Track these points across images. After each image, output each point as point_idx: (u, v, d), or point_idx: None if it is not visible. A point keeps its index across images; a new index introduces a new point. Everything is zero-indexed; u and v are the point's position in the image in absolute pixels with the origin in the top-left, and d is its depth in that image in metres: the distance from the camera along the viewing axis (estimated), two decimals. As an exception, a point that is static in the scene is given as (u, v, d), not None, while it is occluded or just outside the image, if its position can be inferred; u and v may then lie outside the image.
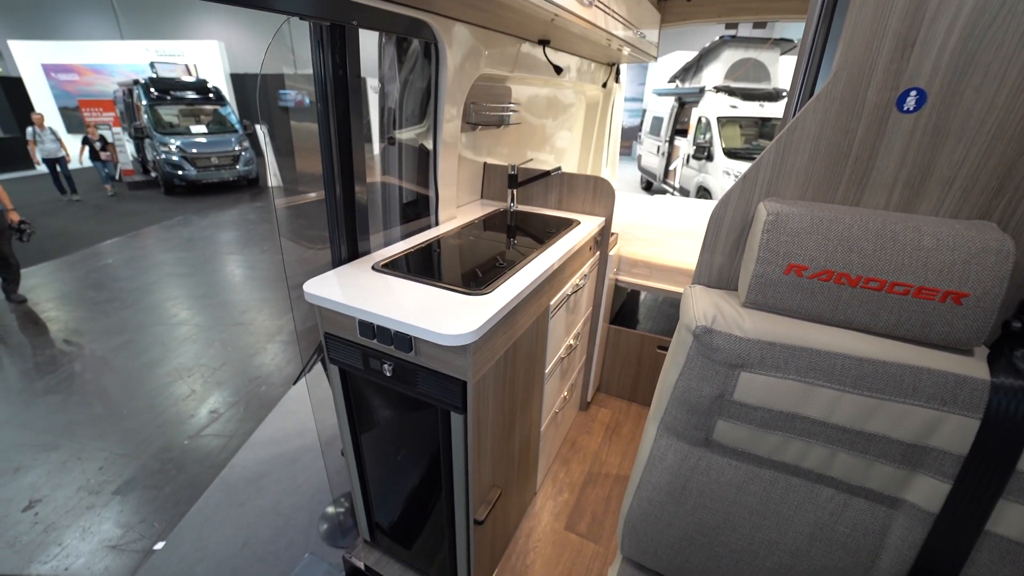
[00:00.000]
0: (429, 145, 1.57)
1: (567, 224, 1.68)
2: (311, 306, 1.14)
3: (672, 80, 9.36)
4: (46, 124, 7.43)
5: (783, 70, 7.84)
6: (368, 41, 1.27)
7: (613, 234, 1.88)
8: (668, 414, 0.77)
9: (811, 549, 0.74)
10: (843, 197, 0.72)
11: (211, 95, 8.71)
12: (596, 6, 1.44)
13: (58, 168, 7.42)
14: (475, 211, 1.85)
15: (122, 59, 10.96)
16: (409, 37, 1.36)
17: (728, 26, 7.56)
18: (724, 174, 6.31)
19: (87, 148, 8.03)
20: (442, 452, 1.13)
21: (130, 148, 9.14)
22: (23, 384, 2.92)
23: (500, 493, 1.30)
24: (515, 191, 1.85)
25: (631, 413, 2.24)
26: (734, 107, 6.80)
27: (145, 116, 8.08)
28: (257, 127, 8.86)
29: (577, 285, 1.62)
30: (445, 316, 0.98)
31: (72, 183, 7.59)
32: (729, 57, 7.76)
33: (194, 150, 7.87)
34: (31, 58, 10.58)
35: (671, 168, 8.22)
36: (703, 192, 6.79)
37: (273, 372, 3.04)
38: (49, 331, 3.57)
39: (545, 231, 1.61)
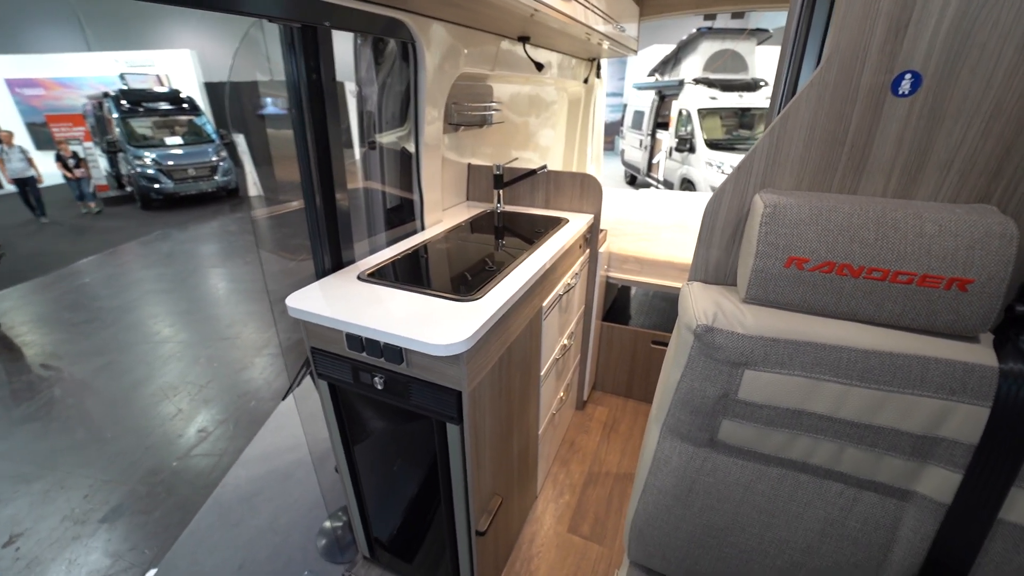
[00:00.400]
0: (411, 148, 1.53)
1: (556, 223, 1.66)
2: (296, 320, 1.10)
3: (651, 74, 9.40)
4: (14, 142, 7.18)
5: (760, 60, 7.93)
6: (343, 43, 1.22)
7: (602, 231, 1.86)
8: (671, 416, 0.75)
9: (822, 546, 0.72)
10: (840, 185, 0.70)
11: (185, 105, 8.51)
12: (575, 0, 1.41)
13: (27, 188, 7.18)
14: (461, 213, 1.81)
15: (90, 71, 10.66)
16: (385, 38, 1.32)
17: (706, 17, 7.61)
18: (707, 165, 6.35)
19: (61, 165, 7.79)
20: (439, 464, 1.10)
21: (103, 163, 8.90)
22: (-1, 413, 2.82)
23: (501, 501, 1.27)
24: (501, 191, 1.82)
25: (628, 410, 2.23)
26: (714, 98, 6.85)
27: (117, 129, 7.87)
28: (235, 136, 8.69)
29: (569, 284, 1.60)
30: (436, 325, 0.95)
31: (42, 205, 7.32)
32: (707, 49, 7.82)
33: (170, 162, 7.69)
34: (-7, 74, 10.26)
35: (654, 161, 8.26)
36: (687, 184, 6.83)
37: (262, 386, 2.97)
38: (25, 356, 3.45)
39: (534, 231, 1.59)
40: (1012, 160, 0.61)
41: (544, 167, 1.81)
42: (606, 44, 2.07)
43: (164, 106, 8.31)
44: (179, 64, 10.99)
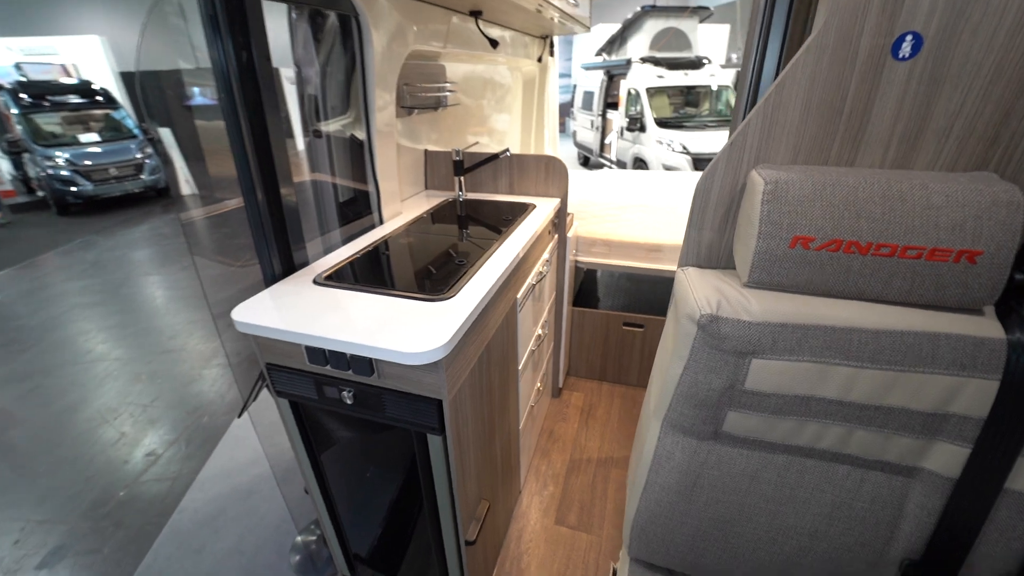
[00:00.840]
0: (361, 135, 1.41)
1: (523, 209, 1.59)
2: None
3: (599, 53, 9.38)
4: None
5: (702, 38, 8.08)
6: (276, 20, 1.08)
7: (569, 214, 1.81)
8: (672, 411, 0.71)
9: (830, 528, 0.71)
10: (837, 157, 0.67)
11: (99, 98, 7.69)
12: None
13: None
14: (421, 204, 1.71)
15: (-22, 62, 9.45)
16: (324, 10, 1.18)
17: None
18: (658, 144, 6.43)
19: None
20: (422, 475, 1.02)
21: (5, 165, 7.94)
22: (-98, 457, 2.47)
23: (489, 506, 1.21)
24: (462, 178, 1.72)
25: (603, 393, 2.22)
26: (661, 77, 6.92)
27: (19, 127, 7.01)
28: (160, 130, 7.97)
29: (541, 273, 1.54)
30: (408, 330, 0.86)
31: None
32: (652, 27, 7.88)
33: (87, 162, 6.95)
34: None
35: (607, 142, 8.30)
36: (640, 163, 6.91)
37: (214, 400, 2.76)
38: (-71, 389, 3.05)
39: (501, 218, 1.51)
40: (1010, 125, 0.59)
41: (507, 151, 1.73)
42: (558, 18, 1.99)
43: (74, 99, 7.47)
44: (88, 52, 9.89)
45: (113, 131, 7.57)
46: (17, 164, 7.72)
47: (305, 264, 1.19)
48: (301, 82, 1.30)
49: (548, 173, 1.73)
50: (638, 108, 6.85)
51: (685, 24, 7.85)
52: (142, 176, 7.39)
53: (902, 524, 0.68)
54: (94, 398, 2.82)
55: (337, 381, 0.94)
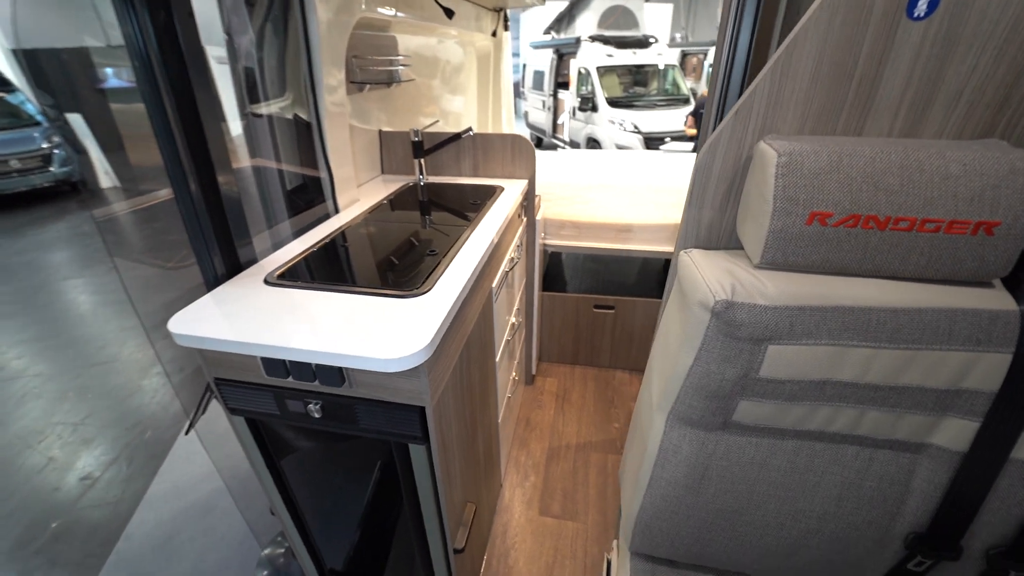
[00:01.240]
0: (305, 115, 1.26)
1: (491, 192, 1.50)
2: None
3: (547, 31, 9.25)
4: None
5: (648, 17, 8.14)
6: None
7: (536, 196, 1.73)
8: (680, 403, 0.66)
9: (838, 510, 0.69)
10: (844, 127, 0.63)
11: (-10, 80, 6.78)
12: None
13: None
14: (379, 190, 1.58)
15: None
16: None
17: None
18: (610, 123, 6.45)
19: None
20: (404, 487, 0.94)
21: None
22: None
23: (475, 509, 1.15)
24: (422, 161, 1.61)
25: (576, 377, 2.20)
26: (610, 56, 6.91)
27: None
28: (68, 116, 7.12)
29: (513, 259, 1.46)
30: (382, 332, 0.77)
31: None
32: (599, 5, 7.83)
33: (-19, 154, 6.15)
34: None
35: (559, 122, 8.24)
36: (593, 143, 6.91)
37: (157, 412, 2.52)
38: None
39: (468, 203, 1.41)
40: (1019, 90, 0.57)
41: (469, 130, 1.62)
42: None
43: (-42, 82, 6.55)
44: (-28, 27, 8.68)
45: (11, 117, 6.69)
46: None
47: (253, 262, 1.05)
48: (233, 55, 1.14)
49: (515, 153, 1.65)
50: (589, 88, 6.82)
51: (632, 2, 7.85)
52: (51, 168, 6.61)
53: (908, 500, 0.67)
54: (12, 421, 2.51)
55: (302, 394, 0.83)
